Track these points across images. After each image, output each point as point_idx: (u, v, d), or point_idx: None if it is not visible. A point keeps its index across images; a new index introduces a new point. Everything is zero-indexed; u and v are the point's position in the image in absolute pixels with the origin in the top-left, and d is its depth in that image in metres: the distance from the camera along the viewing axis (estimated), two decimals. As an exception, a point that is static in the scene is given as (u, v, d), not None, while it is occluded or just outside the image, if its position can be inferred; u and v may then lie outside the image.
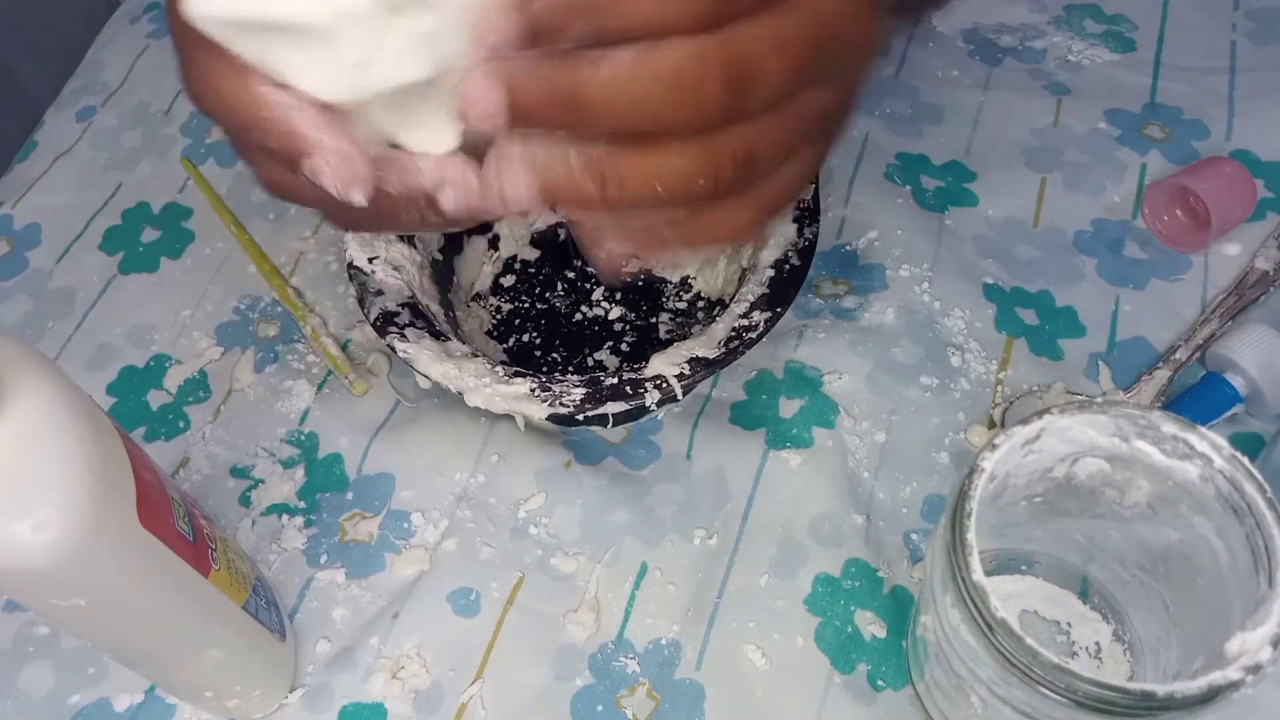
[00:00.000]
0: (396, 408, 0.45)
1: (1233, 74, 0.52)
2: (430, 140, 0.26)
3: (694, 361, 0.38)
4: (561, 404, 0.37)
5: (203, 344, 0.48)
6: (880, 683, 0.37)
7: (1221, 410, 0.41)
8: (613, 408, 0.37)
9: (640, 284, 0.48)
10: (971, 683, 0.30)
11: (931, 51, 0.55)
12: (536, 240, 0.50)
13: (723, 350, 0.38)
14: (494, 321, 0.47)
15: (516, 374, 0.38)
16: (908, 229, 0.48)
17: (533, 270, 0.49)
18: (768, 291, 0.40)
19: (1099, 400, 0.38)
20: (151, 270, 0.51)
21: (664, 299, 0.47)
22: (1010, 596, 0.38)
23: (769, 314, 0.39)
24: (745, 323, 0.39)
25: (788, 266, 0.40)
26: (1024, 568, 0.38)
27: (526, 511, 0.42)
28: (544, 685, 0.38)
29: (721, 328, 0.39)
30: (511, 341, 0.47)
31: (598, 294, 0.48)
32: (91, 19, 0.63)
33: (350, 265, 0.41)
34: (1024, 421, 0.30)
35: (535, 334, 0.47)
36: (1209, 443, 0.29)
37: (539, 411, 0.37)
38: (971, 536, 0.28)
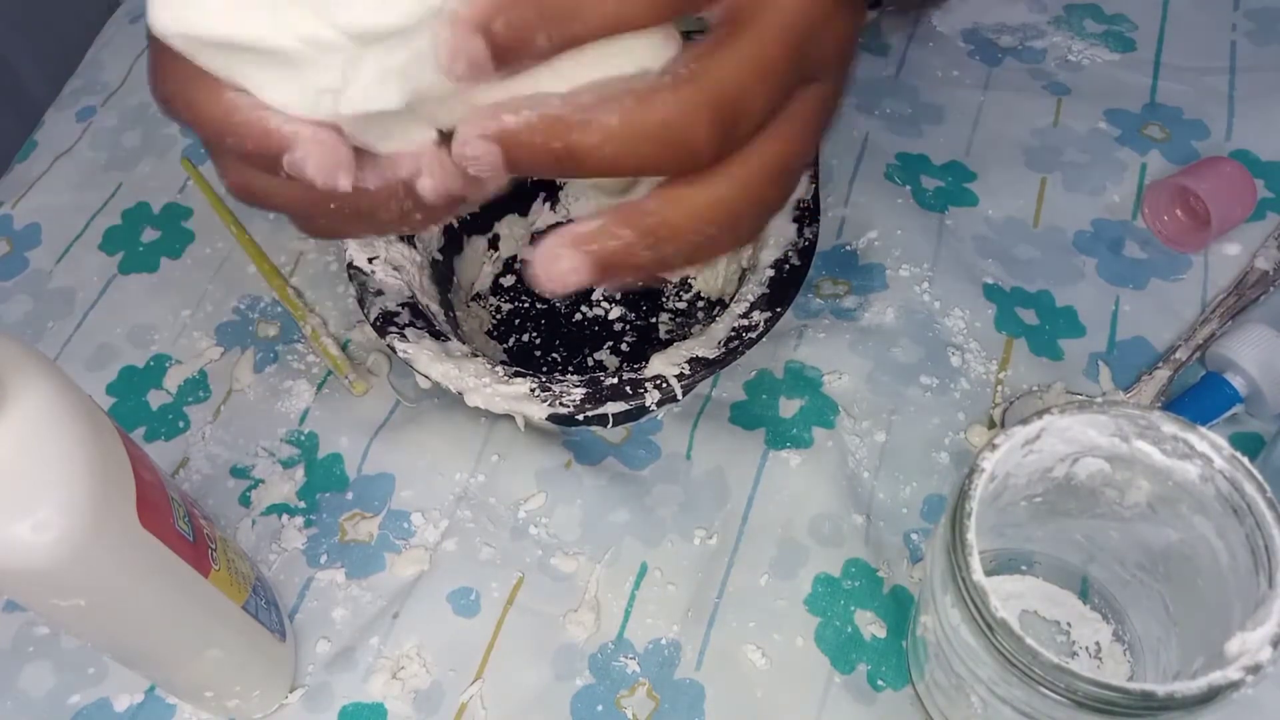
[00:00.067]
0: (396, 408, 0.45)
1: (1233, 74, 0.52)
2: (405, 146, 0.26)
3: (694, 361, 0.38)
4: (561, 404, 0.37)
5: (203, 344, 0.48)
6: (880, 683, 0.37)
7: (1221, 410, 0.41)
8: (613, 408, 0.37)
9: (640, 283, 0.48)
10: (971, 683, 0.30)
11: (931, 51, 0.55)
12: (537, 240, 0.50)
13: (723, 350, 0.38)
14: (494, 321, 0.47)
15: (516, 374, 0.38)
16: (908, 229, 0.48)
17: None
18: (768, 291, 0.40)
19: (1099, 400, 0.38)
20: (151, 270, 0.51)
21: (664, 299, 0.47)
22: (1010, 596, 0.38)
23: (769, 314, 0.39)
24: (745, 323, 0.39)
25: (788, 266, 0.40)
26: (1024, 568, 0.38)
27: (526, 511, 0.42)
28: (544, 685, 0.38)
29: (721, 328, 0.39)
30: (511, 341, 0.47)
31: (598, 294, 0.48)
32: (91, 19, 0.63)
33: (350, 265, 0.41)
34: (1024, 421, 0.30)
35: (535, 334, 0.47)
36: (1209, 443, 0.29)
37: (539, 411, 0.37)
38: (971, 536, 0.28)
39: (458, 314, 0.46)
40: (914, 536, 0.40)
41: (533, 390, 0.37)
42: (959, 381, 0.44)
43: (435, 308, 0.42)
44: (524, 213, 0.49)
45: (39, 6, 0.65)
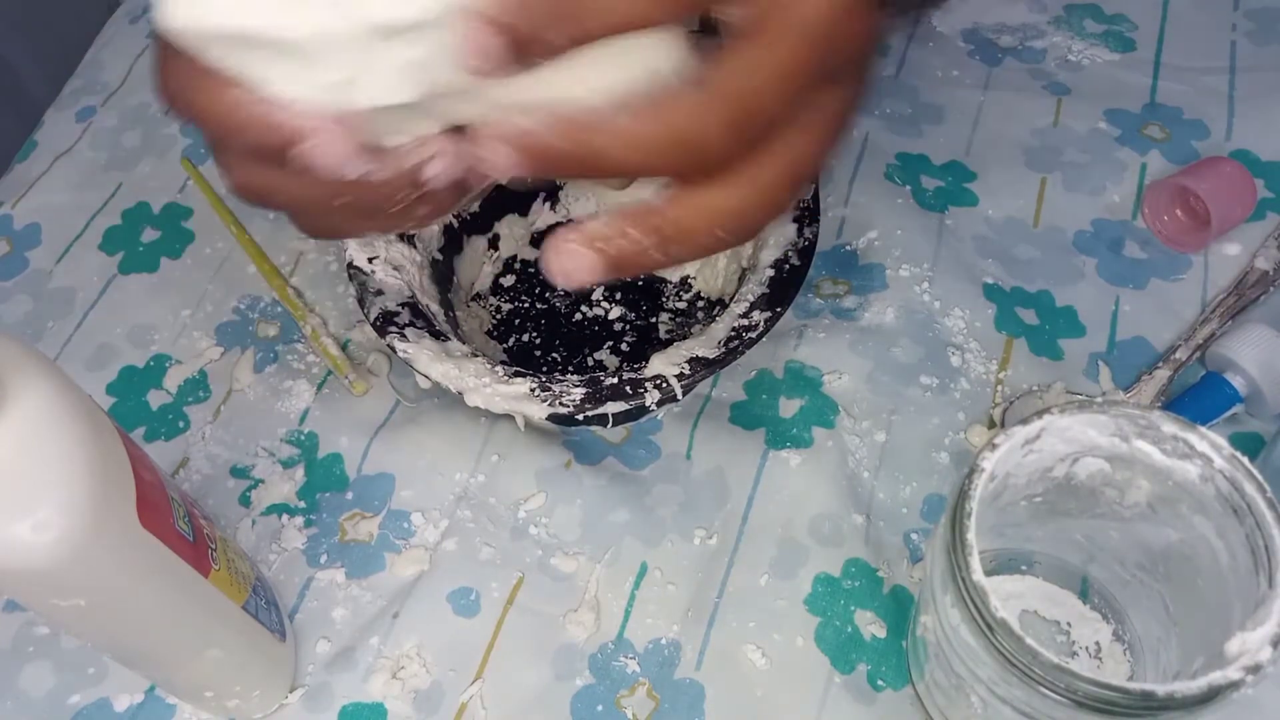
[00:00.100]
0: (396, 408, 0.45)
1: (1233, 74, 0.52)
2: (412, 140, 0.26)
3: (694, 361, 0.38)
4: (561, 404, 0.37)
5: (203, 344, 0.48)
6: (880, 683, 0.37)
7: (1221, 410, 0.41)
8: (613, 408, 0.37)
9: (640, 284, 0.48)
10: (971, 683, 0.30)
11: (931, 51, 0.55)
12: (536, 240, 0.50)
13: (723, 350, 0.38)
14: (494, 321, 0.47)
15: (516, 374, 0.38)
16: (908, 229, 0.48)
17: (533, 270, 0.49)
18: (768, 291, 0.40)
19: (1099, 400, 0.38)
20: (151, 270, 0.51)
21: (664, 299, 0.47)
22: (1010, 596, 0.38)
23: (769, 314, 0.39)
24: (745, 323, 0.39)
25: (788, 266, 0.40)
26: (1024, 568, 0.38)
27: (526, 511, 0.42)
28: (544, 685, 0.38)
29: (721, 328, 0.39)
30: (511, 341, 0.47)
31: (598, 294, 0.48)
32: (91, 19, 0.63)
33: (350, 265, 0.41)
34: (1024, 421, 0.30)
35: (535, 334, 0.47)
36: (1209, 443, 0.29)
37: (539, 411, 0.37)
38: (971, 536, 0.28)
39: (458, 314, 0.46)
40: (914, 536, 0.40)
41: (533, 390, 0.37)
42: (959, 381, 0.44)
43: (435, 308, 0.42)
44: (524, 213, 0.49)
45: (39, 6, 0.65)
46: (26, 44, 0.64)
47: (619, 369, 0.39)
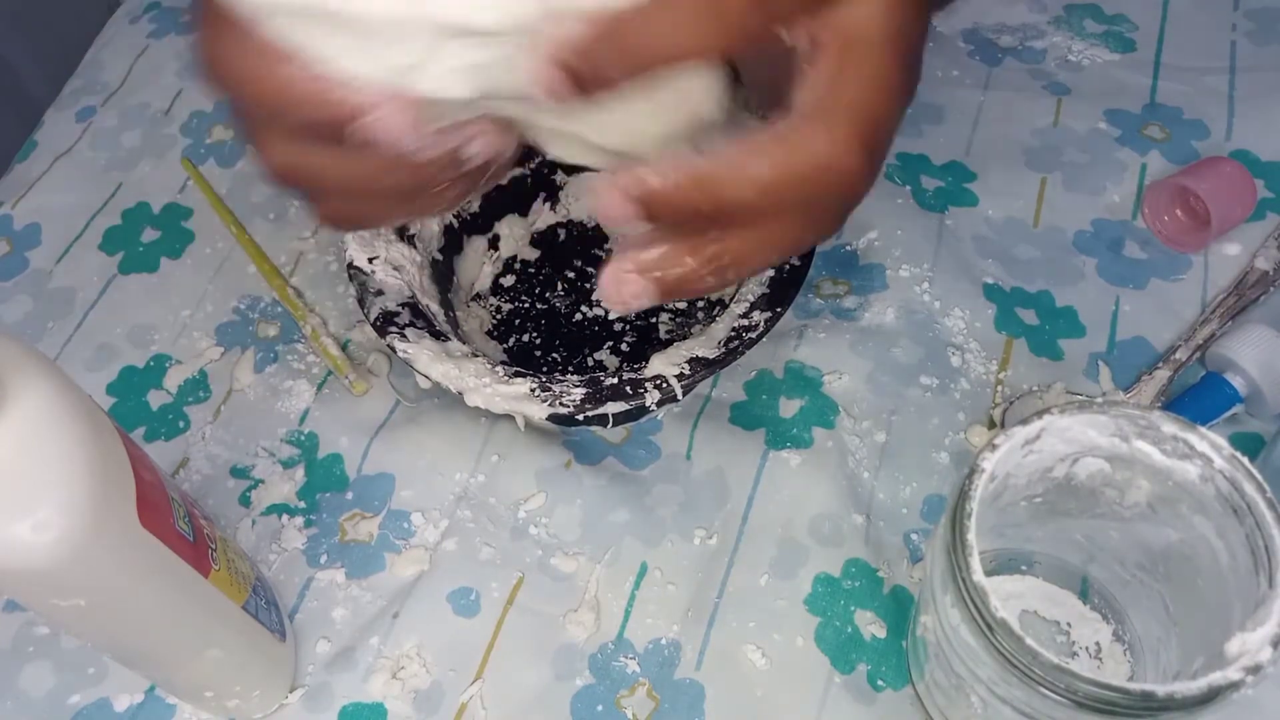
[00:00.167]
0: (396, 408, 0.45)
1: (1233, 74, 0.52)
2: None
3: (694, 361, 0.38)
4: (561, 404, 0.37)
5: (203, 344, 0.48)
6: (880, 683, 0.37)
7: (1221, 410, 0.41)
8: (613, 408, 0.37)
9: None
10: (971, 683, 0.30)
11: (931, 51, 0.55)
12: (536, 240, 0.50)
13: (723, 350, 0.38)
14: (494, 321, 0.47)
15: (516, 374, 0.38)
16: (908, 229, 0.48)
17: (533, 270, 0.49)
18: (768, 291, 0.40)
19: (1099, 400, 0.38)
20: (151, 270, 0.51)
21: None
22: (1010, 596, 0.38)
23: (769, 314, 0.39)
24: (745, 323, 0.39)
25: (788, 266, 0.40)
26: (1024, 568, 0.38)
27: (526, 511, 0.42)
28: (544, 685, 0.38)
29: (721, 328, 0.39)
30: (511, 341, 0.47)
31: (598, 294, 0.48)
32: (91, 19, 0.64)
33: (350, 265, 0.41)
34: (1024, 421, 0.30)
35: (535, 334, 0.47)
36: (1209, 443, 0.29)
37: (539, 411, 0.37)
38: (971, 536, 0.28)
39: (458, 314, 0.46)
40: (914, 536, 0.40)
41: (533, 390, 0.37)
42: (959, 381, 0.44)
43: (435, 308, 0.42)
44: (524, 213, 0.49)
45: (39, 6, 0.65)
46: (26, 44, 0.64)
47: (619, 369, 0.39)
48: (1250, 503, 0.28)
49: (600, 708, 0.38)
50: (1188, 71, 0.53)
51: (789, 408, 0.43)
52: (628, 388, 0.37)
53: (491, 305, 0.48)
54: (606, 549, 0.41)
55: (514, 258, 0.49)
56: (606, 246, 0.49)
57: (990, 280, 0.47)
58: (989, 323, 0.45)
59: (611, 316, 0.47)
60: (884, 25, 0.26)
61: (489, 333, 0.47)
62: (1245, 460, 0.28)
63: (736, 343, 0.38)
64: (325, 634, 0.40)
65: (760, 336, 0.38)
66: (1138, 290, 0.46)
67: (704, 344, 0.38)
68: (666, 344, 0.43)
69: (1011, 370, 0.44)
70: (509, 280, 0.49)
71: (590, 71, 0.24)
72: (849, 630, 0.38)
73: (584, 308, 0.47)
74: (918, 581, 0.39)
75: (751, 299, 0.40)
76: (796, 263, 0.40)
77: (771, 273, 0.40)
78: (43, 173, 0.55)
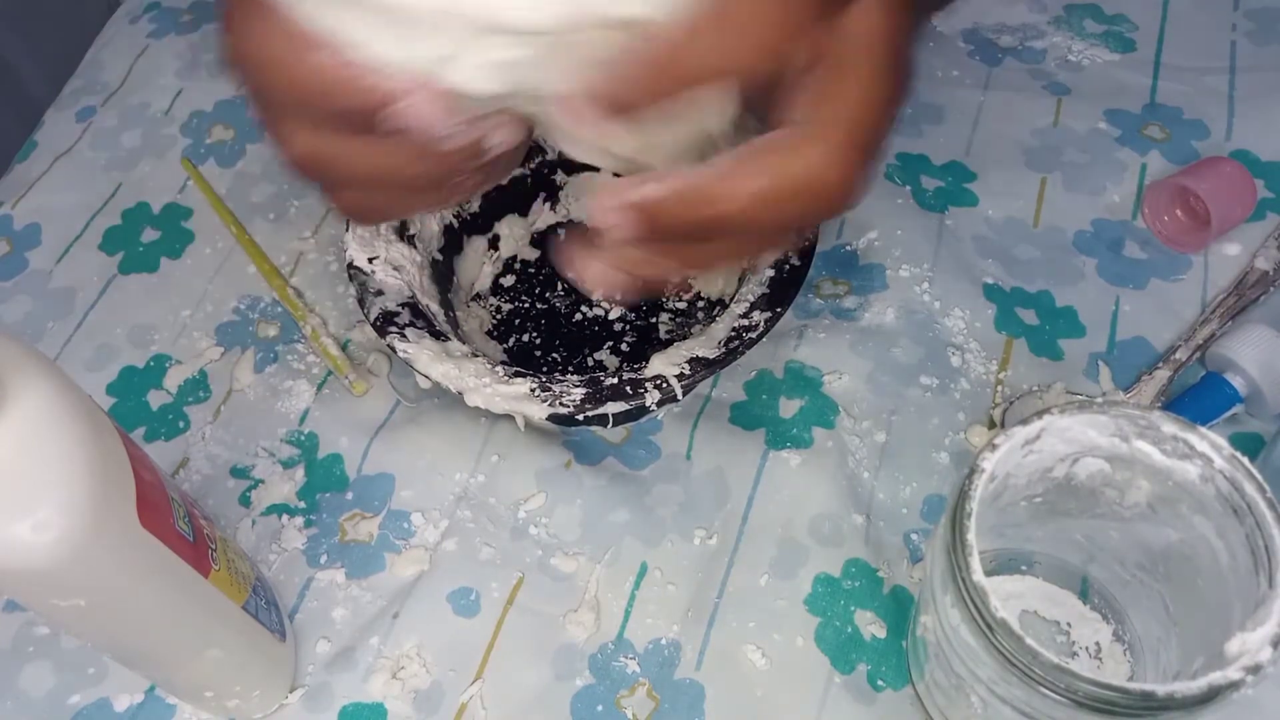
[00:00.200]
0: (396, 408, 0.45)
1: (1233, 74, 0.52)
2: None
3: (694, 361, 0.38)
4: (561, 404, 0.37)
5: (203, 344, 0.48)
6: (880, 683, 0.37)
7: (1221, 410, 0.41)
8: (613, 408, 0.37)
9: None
10: (971, 683, 0.30)
11: (931, 51, 0.55)
12: (536, 240, 0.50)
13: (723, 350, 0.38)
14: (494, 321, 0.47)
15: (516, 374, 0.38)
16: (908, 229, 0.48)
17: (533, 270, 0.49)
18: (768, 291, 0.40)
19: (1099, 400, 0.38)
20: (151, 270, 0.51)
21: (664, 299, 0.47)
22: (1010, 596, 0.38)
23: (769, 314, 0.39)
24: (745, 323, 0.39)
25: (788, 266, 0.40)
26: (1024, 568, 0.38)
27: (526, 511, 0.42)
28: (544, 685, 0.38)
29: (721, 328, 0.39)
30: (511, 341, 0.47)
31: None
32: (91, 19, 0.63)
33: (350, 265, 0.41)
34: (1024, 421, 0.30)
35: (535, 334, 0.47)
36: (1209, 443, 0.29)
37: (539, 411, 0.37)
38: (971, 536, 0.28)
39: (458, 314, 0.46)
40: (914, 536, 0.40)
41: (533, 390, 0.37)
42: (959, 381, 0.44)
43: (435, 308, 0.42)
44: (524, 213, 0.49)
45: (39, 6, 0.65)
46: (26, 44, 0.64)
47: (619, 369, 0.39)
48: (1250, 503, 0.28)
49: (600, 708, 0.38)
50: (1188, 71, 0.53)
51: (789, 408, 0.43)
52: (628, 388, 0.37)
53: (491, 305, 0.48)
54: (606, 549, 0.41)
55: (514, 258, 0.49)
56: (606, 246, 0.49)
57: (990, 280, 0.47)
58: (989, 323, 0.45)
59: (611, 316, 0.47)
60: (882, 33, 0.26)
61: (489, 333, 0.47)
62: (1245, 460, 0.28)
63: (736, 343, 0.38)
64: (325, 634, 0.40)
65: (760, 336, 0.38)
66: (1138, 290, 0.46)
67: (704, 344, 0.38)
68: (666, 344, 0.43)
69: (1011, 370, 0.44)
70: (509, 280, 0.49)
71: (620, 103, 0.24)
72: (849, 630, 0.38)
73: (584, 308, 0.47)
74: (918, 581, 0.39)
75: (751, 299, 0.40)
76: (796, 263, 0.40)
77: (771, 273, 0.40)
78: (43, 173, 0.55)
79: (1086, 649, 0.37)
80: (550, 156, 0.49)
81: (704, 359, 0.38)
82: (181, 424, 0.46)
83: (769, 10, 0.24)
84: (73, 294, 0.51)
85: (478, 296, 0.48)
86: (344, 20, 0.24)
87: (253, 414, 0.46)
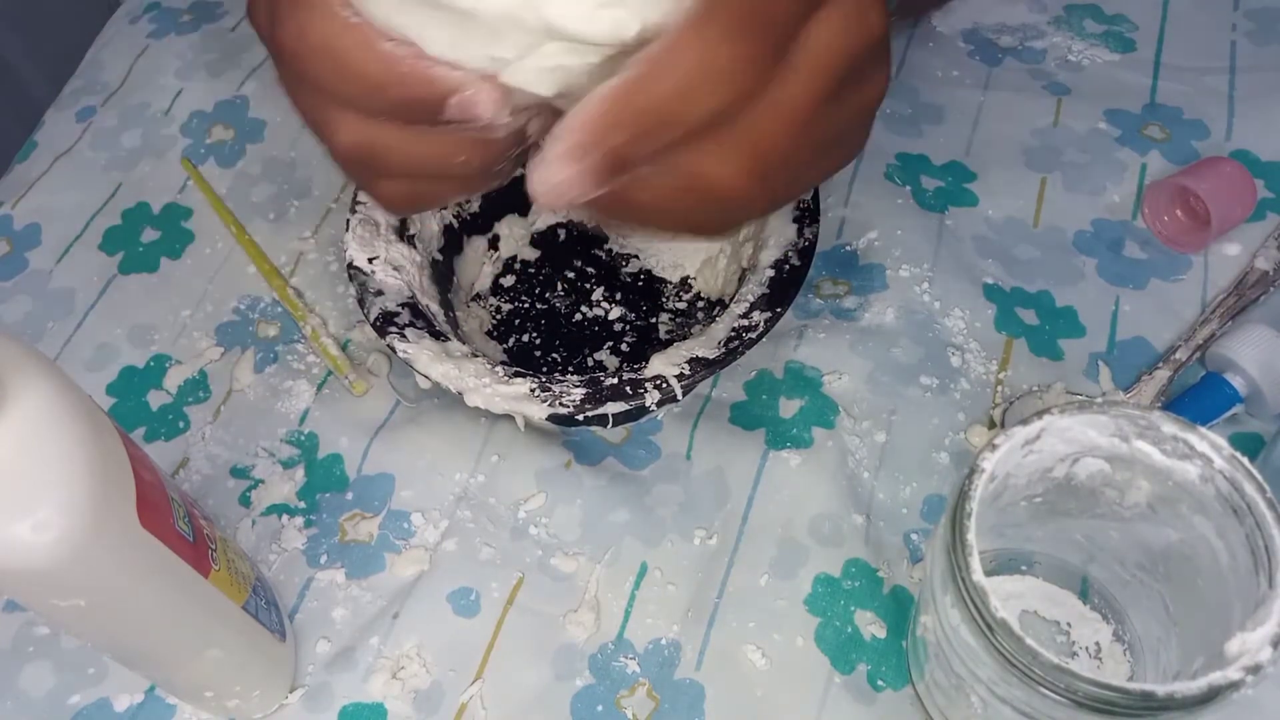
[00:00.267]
0: (396, 408, 0.45)
1: (1233, 74, 0.52)
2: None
3: (694, 361, 0.38)
4: (561, 404, 0.37)
5: (203, 344, 0.48)
6: (880, 683, 0.37)
7: (1221, 410, 0.41)
8: (613, 408, 0.37)
9: (640, 284, 0.48)
10: (971, 683, 0.30)
11: (931, 51, 0.55)
12: (536, 240, 0.50)
13: (723, 350, 0.38)
14: (494, 321, 0.47)
15: (516, 374, 0.38)
16: (908, 229, 0.48)
17: (533, 270, 0.49)
18: (768, 291, 0.40)
19: (1099, 400, 0.38)
20: (151, 270, 0.51)
21: (664, 299, 0.47)
22: (1010, 596, 0.38)
23: (769, 314, 0.39)
24: (745, 323, 0.39)
25: (788, 266, 0.40)
26: (1024, 568, 0.38)
27: (526, 511, 0.42)
28: (544, 685, 0.38)
29: (721, 328, 0.39)
30: (511, 341, 0.47)
31: (598, 294, 0.48)
32: (91, 19, 0.63)
33: (350, 265, 0.41)
34: (1024, 421, 0.30)
35: (535, 334, 0.47)
36: (1209, 443, 0.29)
37: (539, 411, 0.37)
38: (971, 537, 0.28)
39: (458, 314, 0.46)
40: (914, 536, 0.40)
41: (533, 390, 0.37)
42: (959, 381, 0.44)
43: (435, 308, 0.42)
44: (524, 213, 0.49)
45: (39, 6, 0.65)
46: (26, 44, 0.64)
47: (619, 369, 0.39)
48: (1250, 503, 0.28)
49: (600, 708, 0.38)
50: (1188, 71, 0.53)
51: (789, 408, 0.43)
52: (628, 388, 0.37)
53: (491, 305, 0.48)
54: (606, 549, 0.41)
55: (514, 258, 0.49)
56: (606, 246, 0.49)
57: (990, 280, 0.47)
58: (989, 323, 0.45)
59: (612, 316, 0.47)
60: (830, 50, 0.26)
61: (489, 333, 0.47)
62: (1245, 460, 0.28)
63: (736, 343, 0.38)
64: (325, 634, 0.40)
65: (760, 336, 0.38)
66: (1138, 290, 0.46)
67: (704, 344, 0.38)
68: (666, 344, 0.43)
69: (1011, 370, 0.44)
70: (509, 280, 0.49)
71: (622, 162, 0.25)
72: (849, 630, 0.38)
73: (584, 308, 0.47)
74: (918, 581, 0.39)
75: (751, 299, 0.40)
76: (796, 263, 0.40)
77: (771, 273, 0.40)
78: (43, 173, 0.55)
79: (1086, 649, 0.37)
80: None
81: (704, 359, 0.38)
82: (181, 424, 0.46)
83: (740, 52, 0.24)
84: (73, 294, 0.51)
85: (478, 296, 0.48)
86: (412, 19, 0.25)
87: (253, 414, 0.46)
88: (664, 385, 0.37)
